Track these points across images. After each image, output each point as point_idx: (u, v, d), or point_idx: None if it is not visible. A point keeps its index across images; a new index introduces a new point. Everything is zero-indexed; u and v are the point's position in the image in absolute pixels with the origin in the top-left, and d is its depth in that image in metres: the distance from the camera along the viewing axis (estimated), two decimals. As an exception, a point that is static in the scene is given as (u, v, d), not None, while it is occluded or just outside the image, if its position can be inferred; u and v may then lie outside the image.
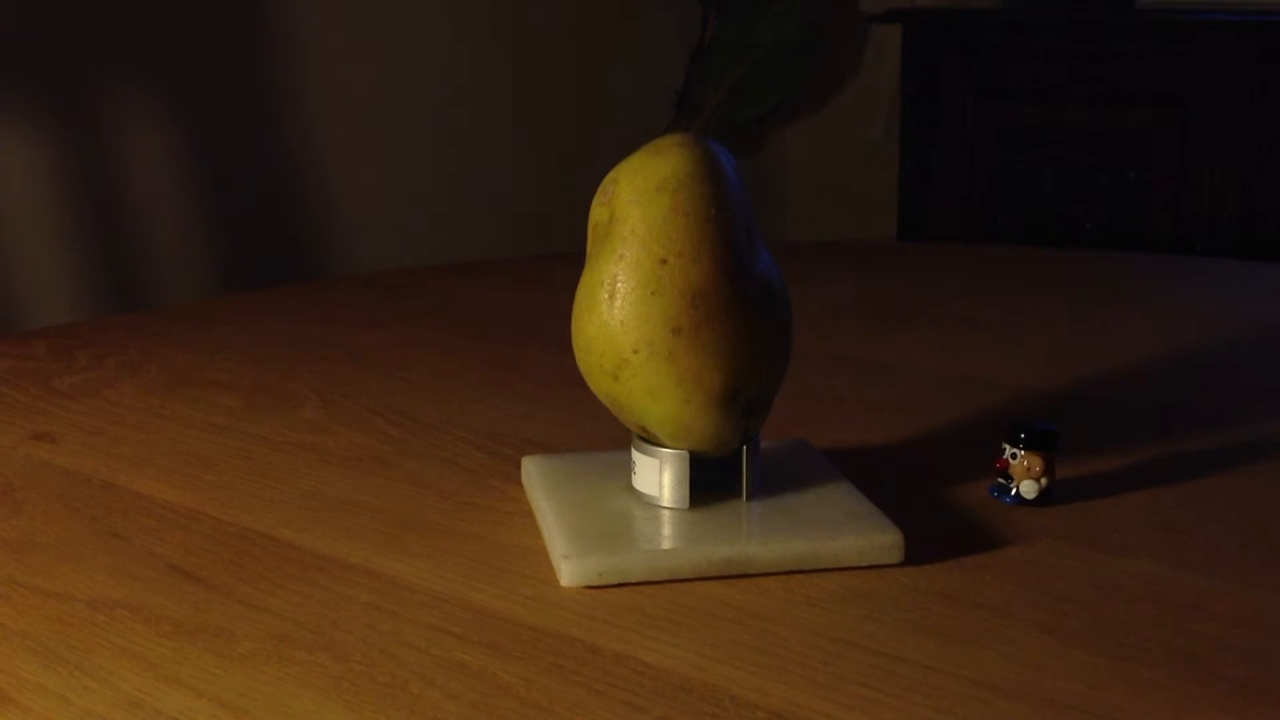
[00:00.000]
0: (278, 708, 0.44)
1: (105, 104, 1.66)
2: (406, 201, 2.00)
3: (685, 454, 0.56)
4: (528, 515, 0.60)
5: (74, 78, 1.63)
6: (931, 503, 0.61)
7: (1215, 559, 0.55)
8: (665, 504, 0.56)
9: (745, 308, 0.54)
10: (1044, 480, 0.60)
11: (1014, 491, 0.60)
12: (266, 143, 1.84)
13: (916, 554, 0.54)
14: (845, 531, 0.54)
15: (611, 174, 0.56)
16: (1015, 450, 0.60)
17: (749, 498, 0.57)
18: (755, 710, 0.43)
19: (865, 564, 0.54)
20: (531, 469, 0.61)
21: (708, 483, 0.56)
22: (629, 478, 0.58)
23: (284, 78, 1.84)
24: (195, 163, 1.75)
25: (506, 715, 0.43)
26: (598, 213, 0.56)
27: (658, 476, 0.56)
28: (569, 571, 0.52)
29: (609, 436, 0.70)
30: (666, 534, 0.54)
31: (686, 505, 0.56)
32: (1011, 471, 0.60)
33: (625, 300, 0.53)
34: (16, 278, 1.60)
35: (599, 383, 0.55)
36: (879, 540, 0.54)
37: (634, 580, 0.52)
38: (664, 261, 0.53)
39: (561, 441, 0.70)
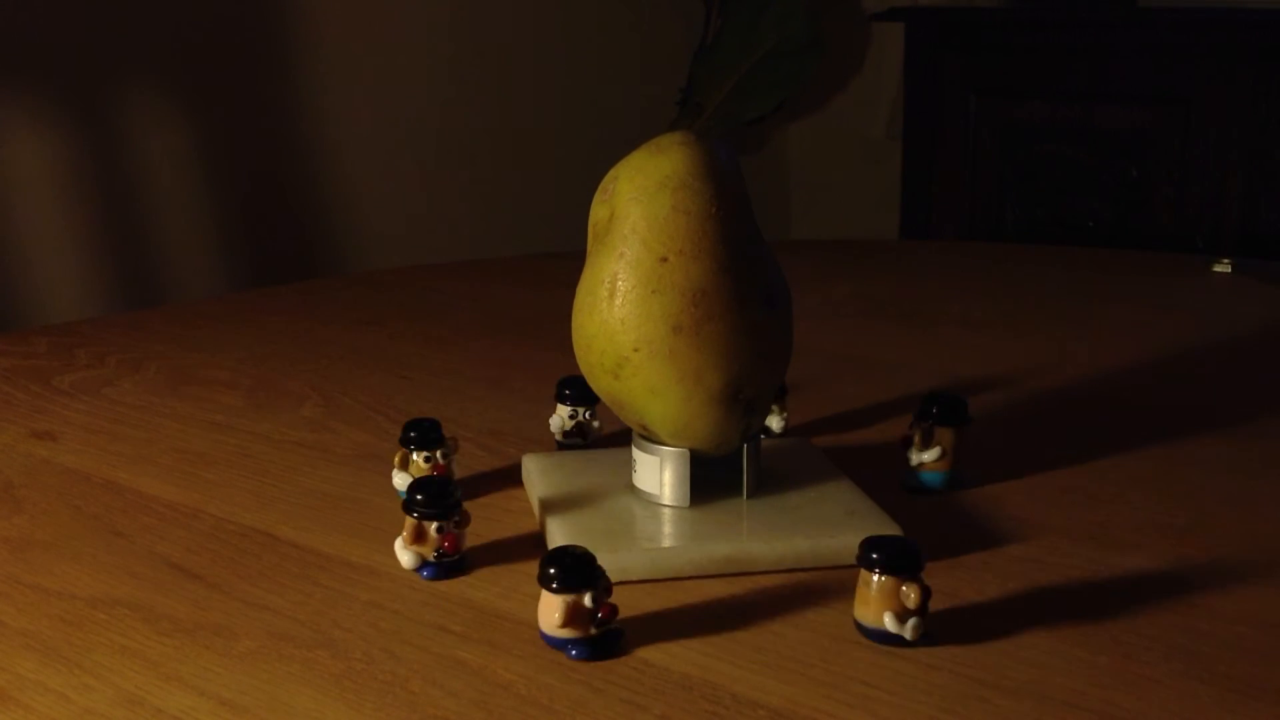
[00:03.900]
0: (278, 706, 0.44)
1: (108, 104, 1.66)
2: (408, 200, 1.99)
3: (686, 452, 0.56)
4: (528, 513, 0.60)
5: (79, 78, 1.63)
6: (932, 501, 0.61)
7: (1216, 557, 0.55)
8: (666, 502, 0.56)
9: (746, 306, 0.54)
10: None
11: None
12: (268, 143, 1.84)
13: (917, 552, 0.54)
14: (846, 530, 0.54)
15: (612, 172, 0.56)
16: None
17: (749, 496, 0.57)
18: (756, 708, 0.43)
19: (866, 562, 0.54)
20: (532, 467, 0.61)
21: (708, 481, 0.56)
22: (629, 476, 0.58)
23: (286, 78, 1.84)
24: (196, 162, 1.75)
25: (507, 713, 0.43)
26: (598, 211, 0.56)
27: (658, 475, 0.56)
28: (569, 570, 0.52)
29: (610, 435, 0.70)
30: (667, 532, 0.54)
31: (687, 503, 0.56)
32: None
33: (626, 298, 0.53)
34: (18, 276, 1.60)
35: (600, 381, 0.55)
36: (880, 538, 0.54)
37: (635, 578, 0.52)
38: (664, 260, 0.53)
39: (562, 440, 0.70)
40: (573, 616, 0.46)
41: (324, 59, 1.86)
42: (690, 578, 0.53)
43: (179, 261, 1.75)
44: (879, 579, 0.47)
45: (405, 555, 0.53)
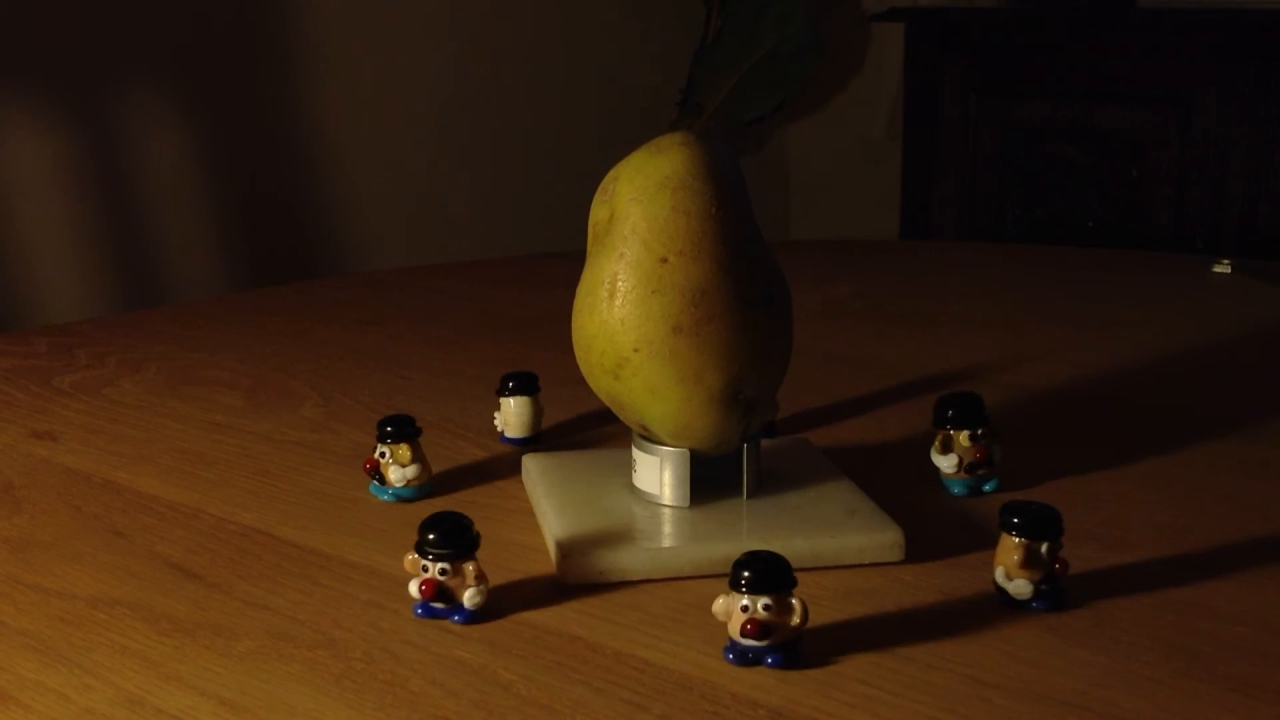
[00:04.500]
0: (278, 706, 0.44)
1: (108, 104, 1.66)
2: (408, 200, 2.00)
3: (686, 452, 0.56)
4: (528, 513, 0.60)
5: (79, 78, 1.63)
6: (932, 501, 0.61)
7: (1215, 557, 0.55)
8: (666, 502, 0.56)
9: (746, 306, 0.54)
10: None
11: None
12: (268, 142, 1.84)
13: (917, 552, 0.54)
14: (846, 529, 0.54)
15: (612, 172, 0.56)
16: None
17: (749, 496, 0.57)
18: (756, 708, 0.43)
19: (866, 562, 0.54)
20: (532, 467, 0.61)
21: (708, 481, 0.56)
22: (629, 476, 0.58)
23: (286, 78, 1.84)
24: (196, 162, 1.75)
25: (507, 713, 0.43)
26: (598, 211, 0.56)
27: (658, 475, 0.56)
28: (569, 569, 0.52)
29: (609, 435, 0.70)
30: (667, 532, 0.54)
31: (687, 503, 0.56)
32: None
33: (626, 299, 0.53)
34: (18, 276, 1.60)
35: (599, 381, 0.55)
36: (880, 538, 0.54)
37: (634, 578, 0.52)
38: (665, 260, 0.53)
39: (562, 440, 0.70)
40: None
41: (324, 59, 1.86)
42: (690, 578, 0.53)
43: (179, 261, 1.75)
44: None
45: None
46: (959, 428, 0.61)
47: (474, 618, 0.49)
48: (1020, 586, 0.50)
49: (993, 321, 0.96)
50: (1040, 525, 0.50)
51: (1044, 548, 0.50)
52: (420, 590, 0.49)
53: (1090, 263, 1.19)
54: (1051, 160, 1.96)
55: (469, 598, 0.49)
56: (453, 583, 0.49)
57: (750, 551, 0.47)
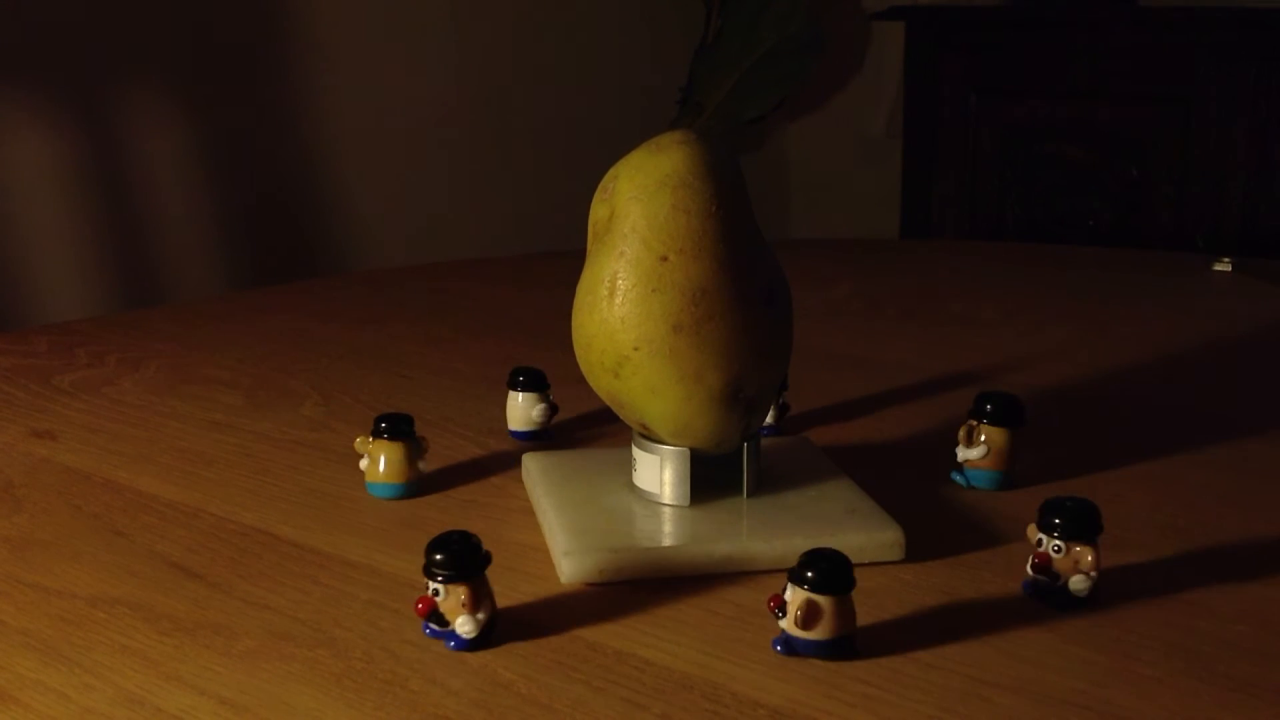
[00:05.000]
0: (278, 705, 0.44)
1: (108, 104, 1.66)
2: (408, 200, 1.99)
3: (686, 451, 0.56)
4: (528, 512, 0.60)
5: (79, 78, 1.63)
6: (932, 500, 0.61)
7: (1216, 556, 0.55)
8: (666, 501, 0.56)
9: (746, 305, 0.54)
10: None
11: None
12: (268, 142, 1.84)
13: (917, 551, 0.54)
14: (846, 528, 0.54)
15: (612, 171, 0.56)
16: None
17: (749, 495, 0.57)
18: (756, 707, 0.43)
19: (866, 561, 0.54)
20: (532, 466, 0.61)
21: (708, 480, 0.56)
22: (630, 475, 0.58)
23: (287, 77, 1.84)
24: (196, 162, 1.75)
25: (507, 712, 0.43)
26: (598, 210, 0.56)
27: (658, 473, 0.56)
28: (569, 568, 0.52)
29: (609, 434, 0.70)
30: (667, 531, 0.54)
31: (687, 502, 0.56)
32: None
33: (626, 297, 0.53)
34: (18, 276, 1.60)
35: (599, 380, 0.55)
36: (880, 537, 0.54)
37: (635, 577, 0.52)
38: (665, 259, 0.53)
39: (562, 439, 0.70)
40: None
41: (324, 59, 1.86)
42: (690, 576, 0.53)
43: (179, 261, 1.75)
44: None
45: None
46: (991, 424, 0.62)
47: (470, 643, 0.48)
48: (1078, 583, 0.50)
49: (993, 321, 0.96)
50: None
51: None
52: (416, 608, 0.47)
53: (1090, 262, 1.19)
54: (1051, 160, 1.96)
55: (461, 625, 0.47)
56: (447, 605, 0.47)
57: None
